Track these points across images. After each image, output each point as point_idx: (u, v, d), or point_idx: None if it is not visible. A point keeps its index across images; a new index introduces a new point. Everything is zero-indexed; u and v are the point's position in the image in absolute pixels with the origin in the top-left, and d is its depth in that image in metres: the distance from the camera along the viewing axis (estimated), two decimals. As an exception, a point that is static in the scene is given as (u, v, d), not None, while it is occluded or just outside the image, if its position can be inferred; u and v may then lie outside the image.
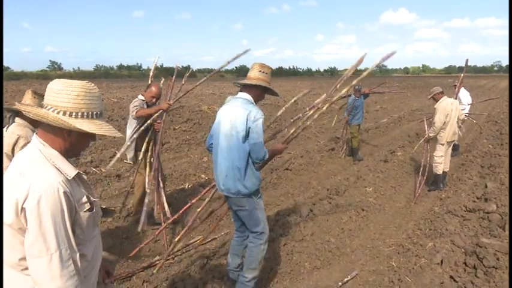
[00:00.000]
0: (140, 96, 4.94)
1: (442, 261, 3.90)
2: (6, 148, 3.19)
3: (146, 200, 4.45)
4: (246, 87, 3.15)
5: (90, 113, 1.59)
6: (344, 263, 4.23)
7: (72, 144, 1.62)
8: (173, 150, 9.44)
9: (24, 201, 1.44)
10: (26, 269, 1.50)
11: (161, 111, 4.74)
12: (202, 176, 7.28)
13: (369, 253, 4.39)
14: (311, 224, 5.00)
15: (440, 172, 6.53)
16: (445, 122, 6.33)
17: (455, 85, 8.58)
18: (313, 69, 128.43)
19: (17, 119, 3.33)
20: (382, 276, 3.86)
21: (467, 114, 8.36)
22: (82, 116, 1.57)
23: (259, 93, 3.16)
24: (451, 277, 3.65)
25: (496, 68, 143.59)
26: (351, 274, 3.83)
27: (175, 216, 4.12)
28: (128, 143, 4.70)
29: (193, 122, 13.50)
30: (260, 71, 3.11)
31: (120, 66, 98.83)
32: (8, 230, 1.48)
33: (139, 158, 4.80)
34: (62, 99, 1.54)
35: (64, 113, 1.54)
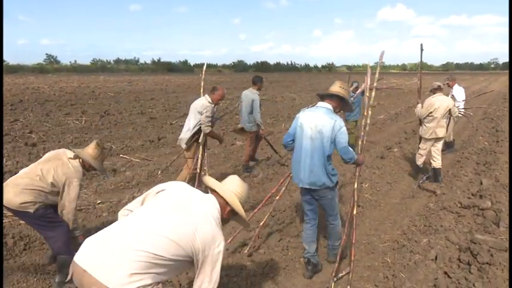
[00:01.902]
0: (208, 98, 5.64)
1: (436, 257, 3.91)
2: (63, 178, 3.45)
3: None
4: (327, 97, 3.69)
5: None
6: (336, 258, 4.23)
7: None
8: (169, 145, 9.41)
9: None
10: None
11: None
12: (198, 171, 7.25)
13: (363, 249, 4.39)
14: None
15: (418, 163, 6.94)
16: (428, 117, 6.54)
17: (447, 83, 8.67)
18: (311, 65, 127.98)
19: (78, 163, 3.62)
20: (376, 272, 3.86)
21: (461, 112, 8.36)
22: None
23: (338, 104, 3.69)
24: (445, 273, 3.66)
25: (492, 66, 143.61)
26: (345, 270, 3.83)
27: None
28: (188, 134, 5.67)
29: (191, 117, 13.45)
30: (340, 87, 3.67)
31: (117, 60, 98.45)
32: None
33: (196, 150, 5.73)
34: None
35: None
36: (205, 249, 2.05)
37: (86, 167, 3.68)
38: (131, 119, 12.85)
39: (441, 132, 6.57)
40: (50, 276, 3.71)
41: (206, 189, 2.43)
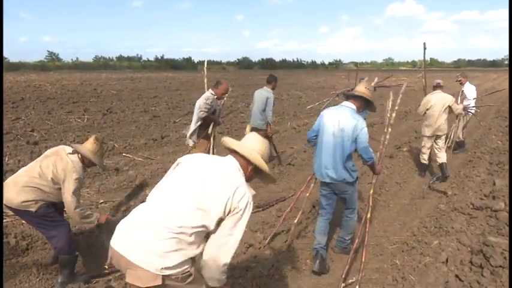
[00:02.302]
0: (211, 91, 5.74)
1: (447, 260, 3.82)
2: (62, 174, 3.39)
3: None
4: (352, 98, 3.87)
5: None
6: (347, 260, 4.15)
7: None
8: (173, 144, 9.35)
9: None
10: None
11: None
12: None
13: (372, 250, 4.31)
14: (313, 220, 4.91)
15: (422, 161, 7.14)
16: (426, 115, 6.85)
17: (459, 80, 8.74)
18: (318, 62, 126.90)
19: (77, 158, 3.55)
20: (385, 274, 3.79)
21: (471, 110, 8.36)
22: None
23: (362, 105, 3.87)
24: (457, 276, 3.57)
25: (506, 62, 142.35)
26: (354, 273, 3.74)
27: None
28: (194, 128, 5.78)
29: (194, 115, 13.37)
30: (365, 88, 3.85)
31: (120, 58, 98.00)
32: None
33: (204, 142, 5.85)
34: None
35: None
36: (233, 209, 2.07)
37: (86, 163, 3.61)
38: (134, 117, 12.79)
39: (439, 129, 6.74)
40: (52, 276, 3.67)
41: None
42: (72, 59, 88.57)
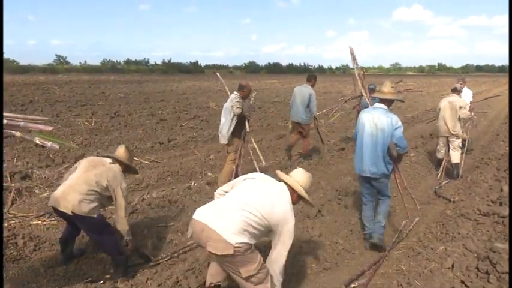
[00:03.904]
0: (236, 93, 6.13)
1: (453, 266, 3.79)
2: (114, 182, 3.68)
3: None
4: (382, 100, 4.40)
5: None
6: (352, 265, 4.15)
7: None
8: (179, 147, 9.38)
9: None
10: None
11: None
12: (209, 174, 7.21)
13: (378, 255, 4.29)
14: (319, 224, 4.91)
15: (438, 157, 7.72)
16: (439, 116, 7.44)
17: (459, 84, 8.93)
18: (325, 66, 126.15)
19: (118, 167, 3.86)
20: (390, 280, 3.78)
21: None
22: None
23: (390, 103, 4.44)
24: (463, 282, 3.54)
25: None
26: (361, 277, 3.74)
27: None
28: (226, 129, 6.07)
29: (201, 119, 13.43)
30: (392, 87, 4.41)
31: (128, 61, 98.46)
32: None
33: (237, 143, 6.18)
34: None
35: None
36: (280, 224, 2.82)
37: (122, 170, 3.89)
38: (141, 120, 12.86)
39: (451, 130, 7.21)
40: (59, 277, 3.71)
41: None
42: (80, 62, 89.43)
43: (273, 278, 2.88)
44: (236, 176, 5.76)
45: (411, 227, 4.91)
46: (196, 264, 3.88)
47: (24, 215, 4.90)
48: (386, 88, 4.41)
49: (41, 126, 2.34)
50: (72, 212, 3.44)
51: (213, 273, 3.15)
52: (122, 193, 3.72)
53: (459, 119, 7.26)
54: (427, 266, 3.87)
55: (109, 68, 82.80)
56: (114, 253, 3.70)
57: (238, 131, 6.11)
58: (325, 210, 5.36)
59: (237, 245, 2.61)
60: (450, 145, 7.36)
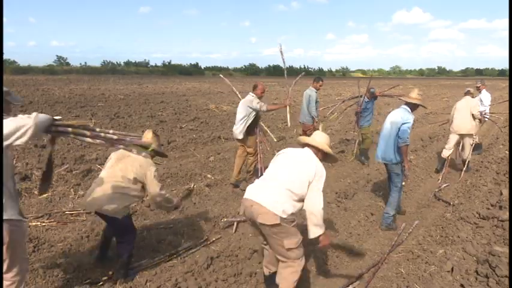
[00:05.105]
0: (252, 94, 6.45)
1: (452, 269, 3.80)
2: (142, 170, 3.66)
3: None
4: (408, 102, 5.15)
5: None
6: (352, 268, 4.14)
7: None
8: (179, 149, 9.36)
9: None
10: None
11: (284, 106, 6.89)
12: (209, 175, 7.20)
13: (377, 259, 4.28)
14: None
15: (444, 155, 7.86)
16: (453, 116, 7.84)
17: (477, 86, 9.55)
18: (325, 69, 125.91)
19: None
20: (390, 283, 3.78)
21: (486, 116, 8.73)
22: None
23: (414, 106, 5.14)
24: (462, 285, 3.55)
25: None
26: (359, 280, 3.73)
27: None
28: (241, 126, 6.35)
29: (200, 120, 13.43)
30: (418, 93, 5.19)
31: (128, 63, 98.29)
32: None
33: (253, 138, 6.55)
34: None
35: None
36: (316, 178, 3.19)
37: (151, 156, 3.90)
38: (141, 122, 12.85)
39: (464, 129, 7.59)
40: (58, 279, 3.68)
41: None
42: (80, 64, 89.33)
43: (316, 216, 3.18)
44: (259, 169, 6.34)
45: (411, 230, 4.90)
46: (195, 266, 3.88)
47: (24, 216, 4.88)
48: (413, 94, 5.16)
49: (140, 141, 2.95)
50: (97, 210, 3.52)
51: (269, 261, 3.48)
52: (152, 176, 3.70)
53: (473, 118, 7.58)
54: (426, 269, 3.88)
55: (109, 69, 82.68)
56: (125, 255, 3.71)
57: (252, 129, 6.44)
58: (325, 213, 5.35)
59: (283, 215, 3.01)
60: (464, 143, 7.73)
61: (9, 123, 2.39)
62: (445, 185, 6.91)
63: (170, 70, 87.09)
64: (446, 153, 7.80)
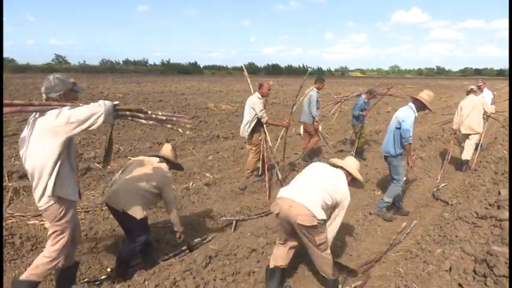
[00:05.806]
0: (257, 94, 6.56)
1: (450, 269, 3.80)
2: (162, 180, 3.88)
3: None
4: (414, 99, 5.33)
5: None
6: (350, 266, 4.14)
7: None
8: (178, 148, 9.32)
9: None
10: None
11: (283, 125, 6.89)
12: (207, 174, 7.21)
13: (375, 258, 4.29)
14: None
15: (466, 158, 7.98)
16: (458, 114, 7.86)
17: (478, 85, 9.47)
18: (324, 68, 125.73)
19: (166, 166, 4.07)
20: (388, 282, 3.78)
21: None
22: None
23: (419, 105, 5.28)
24: (460, 285, 3.56)
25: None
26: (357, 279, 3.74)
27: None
28: (247, 127, 6.51)
29: (199, 119, 13.41)
30: (427, 94, 5.30)
31: (127, 61, 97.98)
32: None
33: (259, 138, 6.64)
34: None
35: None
36: (342, 200, 3.52)
37: (168, 168, 4.11)
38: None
39: (470, 128, 7.68)
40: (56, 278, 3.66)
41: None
42: (79, 62, 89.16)
43: (329, 239, 3.55)
44: (264, 166, 6.53)
45: (409, 229, 4.93)
46: (194, 265, 3.88)
47: (22, 214, 4.87)
48: (424, 94, 5.30)
49: (185, 120, 3.34)
50: (122, 209, 3.61)
51: (279, 255, 3.60)
52: (170, 192, 3.93)
53: (484, 115, 7.71)
54: (424, 269, 3.88)
55: (108, 68, 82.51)
56: (129, 255, 3.76)
57: (258, 128, 6.58)
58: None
59: (320, 218, 3.25)
60: (467, 141, 7.79)
61: (83, 110, 2.68)
62: (443, 185, 6.93)
63: (169, 69, 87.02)
64: (469, 152, 7.86)
